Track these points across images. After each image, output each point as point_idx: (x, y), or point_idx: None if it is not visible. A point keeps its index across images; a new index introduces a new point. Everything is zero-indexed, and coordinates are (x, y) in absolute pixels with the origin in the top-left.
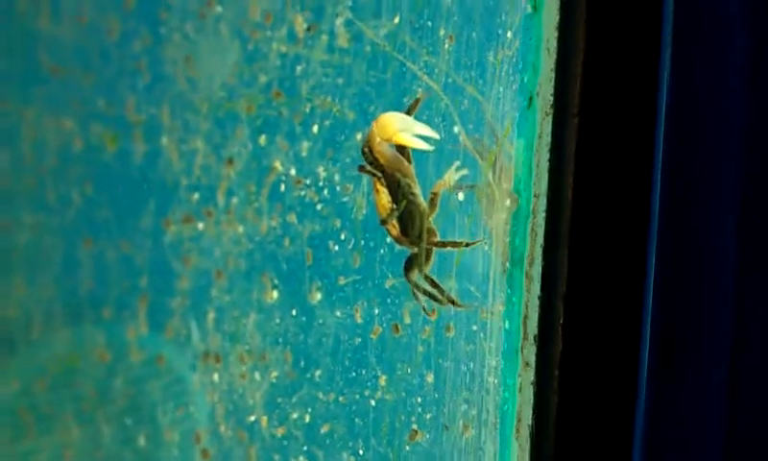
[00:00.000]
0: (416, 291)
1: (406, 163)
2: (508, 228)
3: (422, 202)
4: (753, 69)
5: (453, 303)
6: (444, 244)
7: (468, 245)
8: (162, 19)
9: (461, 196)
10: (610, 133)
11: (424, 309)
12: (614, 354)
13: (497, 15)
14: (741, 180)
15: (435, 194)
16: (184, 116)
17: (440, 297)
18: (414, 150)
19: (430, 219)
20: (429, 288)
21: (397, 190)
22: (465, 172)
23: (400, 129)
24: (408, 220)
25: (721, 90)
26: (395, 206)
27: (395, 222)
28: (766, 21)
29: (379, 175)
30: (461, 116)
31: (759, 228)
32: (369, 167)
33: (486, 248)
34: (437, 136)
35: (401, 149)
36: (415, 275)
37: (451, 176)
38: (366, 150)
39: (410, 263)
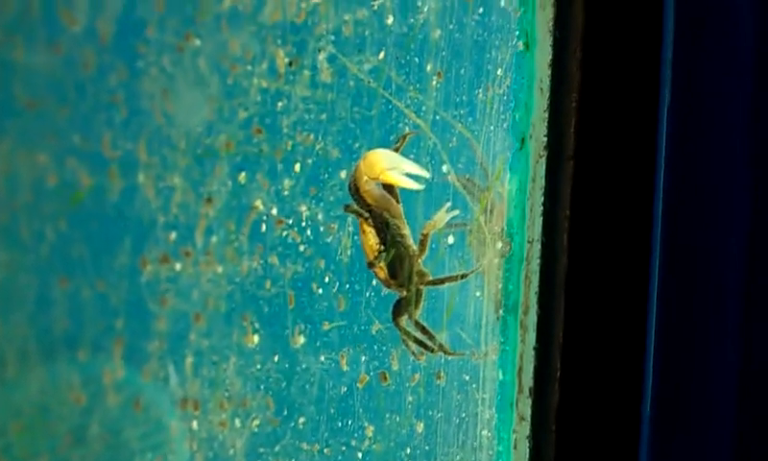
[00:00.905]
0: (405, 338)
1: (395, 203)
2: (500, 272)
3: (412, 243)
4: (754, 120)
5: (444, 350)
6: (439, 281)
7: (463, 276)
8: (140, 53)
9: (451, 239)
10: (606, 177)
11: (413, 352)
12: (614, 408)
13: (487, 51)
14: (746, 233)
15: (425, 235)
16: (162, 152)
17: (430, 344)
18: (402, 189)
19: (420, 261)
20: (419, 335)
21: (385, 231)
22: (455, 213)
23: (388, 167)
24: (397, 262)
25: (723, 132)
26: (382, 248)
27: (382, 264)
28: None
29: (366, 215)
30: (450, 155)
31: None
32: (355, 207)
33: (478, 294)
34: (426, 175)
35: (389, 188)
36: (404, 320)
37: (442, 217)
38: (353, 188)
39: (398, 308)
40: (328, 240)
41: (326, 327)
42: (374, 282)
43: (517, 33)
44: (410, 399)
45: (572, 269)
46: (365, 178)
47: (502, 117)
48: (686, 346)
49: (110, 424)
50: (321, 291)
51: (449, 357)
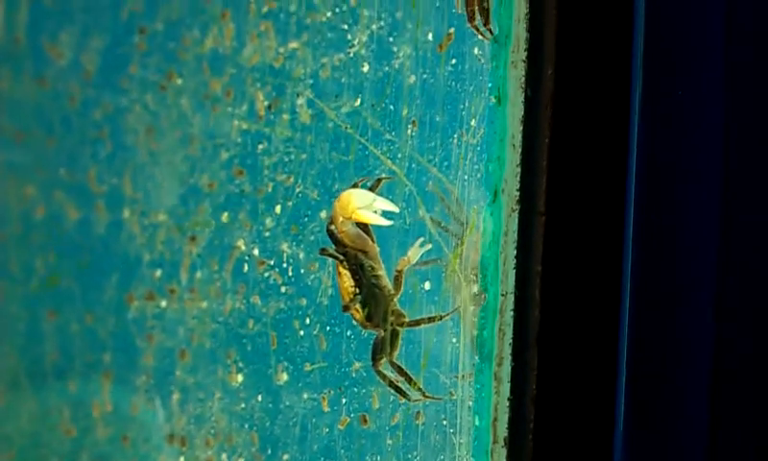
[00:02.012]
0: (384, 382)
1: (370, 243)
2: (476, 320)
3: (387, 283)
4: (725, 180)
5: (423, 393)
6: (417, 323)
7: (441, 318)
8: (123, 88)
9: (427, 285)
10: (577, 233)
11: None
12: (587, 459)
13: (460, 102)
14: (716, 282)
15: (399, 272)
16: (146, 188)
17: (408, 387)
18: (378, 228)
19: (395, 300)
20: (397, 377)
21: (360, 273)
22: (429, 246)
23: (359, 206)
24: (372, 304)
25: (694, 190)
26: (357, 291)
27: (358, 307)
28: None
29: (341, 258)
30: (425, 200)
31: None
32: (330, 250)
33: (454, 340)
34: (396, 210)
35: (365, 227)
36: (382, 364)
37: (415, 252)
38: (331, 230)
39: (376, 350)
40: (310, 279)
41: (308, 368)
42: (354, 322)
43: (490, 85)
44: (389, 441)
45: (545, 322)
46: (340, 218)
47: (476, 167)
48: (659, 399)
49: (101, 458)
50: (302, 333)
51: (428, 401)
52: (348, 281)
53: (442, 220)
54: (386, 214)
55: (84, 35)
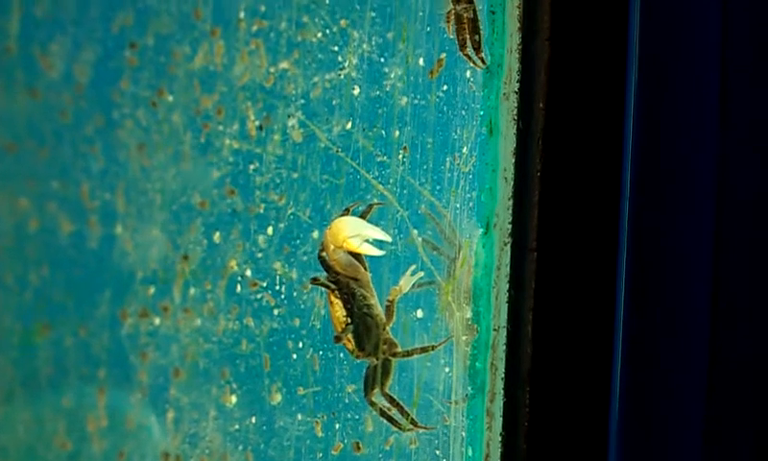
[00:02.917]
0: (379, 414)
1: (362, 270)
2: (468, 350)
3: (379, 312)
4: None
5: (415, 424)
6: (409, 353)
7: (434, 348)
8: (115, 102)
9: (420, 313)
10: (570, 269)
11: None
12: None
13: (452, 129)
14: (709, 321)
15: (391, 301)
16: (139, 205)
17: (401, 418)
18: (370, 256)
19: (387, 329)
20: (390, 407)
21: (352, 302)
22: (420, 274)
23: (350, 235)
24: (363, 333)
25: (687, 223)
26: (349, 321)
27: (350, 336)
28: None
29: (333, 287)
30: (417, 224)
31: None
32: (322, 279)
33: (447, 370)
34: (389, 239)
35: (357, 255)
36: (374, 394)
37: (407, 281)
38: (323, 257)
39: (368, 381)
40: (303, 300)
41: (301, 392)
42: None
43: (482, 113)
44: None
45: (537, 359)
46: (331, 246)
47: (468, 196)
48: (652, 441)
49: None
50: (295, 356)
51: (420, 431)
52: (339, 311)
53: (434, 242)
54: (377, 243)
55: (75, 47)
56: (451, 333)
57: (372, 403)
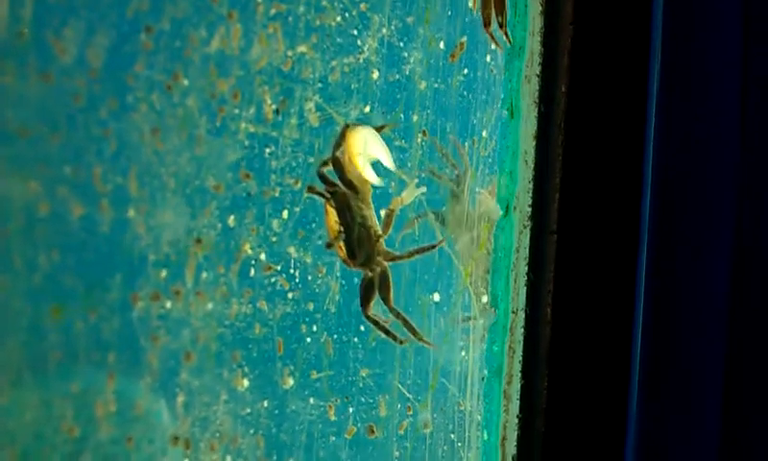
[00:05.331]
0: (376, 329)
1: (368, 185)
2: (485, 334)
3: (374, 224)
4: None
5: (419, 337)
6: (408, 255)
7: (432, 247)
8: (129, 86)
9: (437, 297)
10: (589, 252)
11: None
12: None
13: (472, 112)
14: (727, 314)
15: (391, 211)
16: (152, 188)
17: (398, 334)
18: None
19: (382, 240)
20: (386, 320)
21: (347, 213)
22: (423, 189)
23: (358, 152)
24: (356, 243)
25: (705, 216)
26: (342, 229)
27: (342, 244)
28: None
29: (328, 197)
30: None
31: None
32: (317, 189)
33: (463, 354)
34: (392, 167)
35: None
36: (370, 308)
37: (411, 192)
38: (337, 157)
39: (365, 293)
40: (317, 284)
41: (314, 376)
42: (362, 328)
43: (503, 96)
44: (396, 453)
45: (555, 341)
46: (347, 156)
47: (487, 180)
48: (671, 421)
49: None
50: (309, 340)
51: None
52: (333, 218)
53: (435, 167)
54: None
55: (89, 31)
56: (446, 236)
57: (369, 318)
